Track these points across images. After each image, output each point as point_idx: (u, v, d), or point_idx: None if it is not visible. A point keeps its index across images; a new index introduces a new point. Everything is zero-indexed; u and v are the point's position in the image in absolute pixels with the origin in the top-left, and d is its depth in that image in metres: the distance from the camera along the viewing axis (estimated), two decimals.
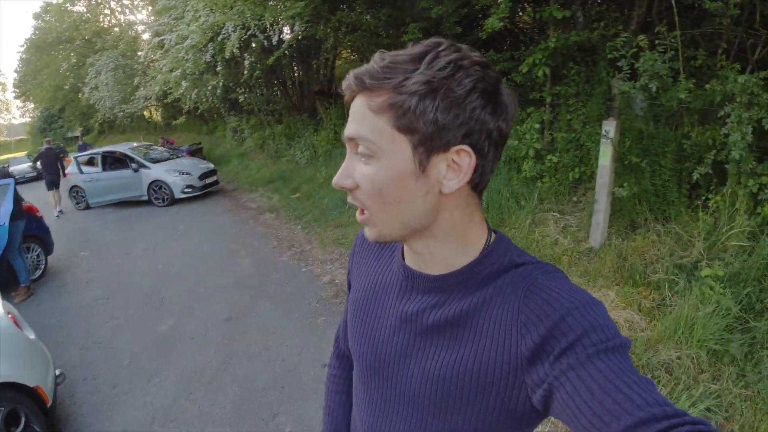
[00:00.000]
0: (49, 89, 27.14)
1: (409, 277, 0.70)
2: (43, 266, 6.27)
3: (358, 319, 0.78)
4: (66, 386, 3.46)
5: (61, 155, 11.84)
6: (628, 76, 3.77)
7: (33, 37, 29.24)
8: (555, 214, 4.48)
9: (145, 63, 15.04)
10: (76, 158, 10.82)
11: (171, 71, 11.07)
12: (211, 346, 3.80)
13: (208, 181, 10.14)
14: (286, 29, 9.52)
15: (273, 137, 11.65)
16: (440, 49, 0.57)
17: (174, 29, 10.75)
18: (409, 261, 0.71)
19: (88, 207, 10.48)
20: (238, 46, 8.78)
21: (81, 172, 10.36)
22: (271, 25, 8.81)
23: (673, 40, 3.68)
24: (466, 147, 0.58)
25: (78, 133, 28.40)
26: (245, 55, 9.76)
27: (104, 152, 10.62)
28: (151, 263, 6.18)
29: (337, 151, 9.15)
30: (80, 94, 22.90)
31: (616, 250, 3.65)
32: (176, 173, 9.76)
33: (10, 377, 2.63)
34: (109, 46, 21.40)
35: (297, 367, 3.35)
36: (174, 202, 9.73)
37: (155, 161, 10.28)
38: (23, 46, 30.90)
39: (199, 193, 9.85)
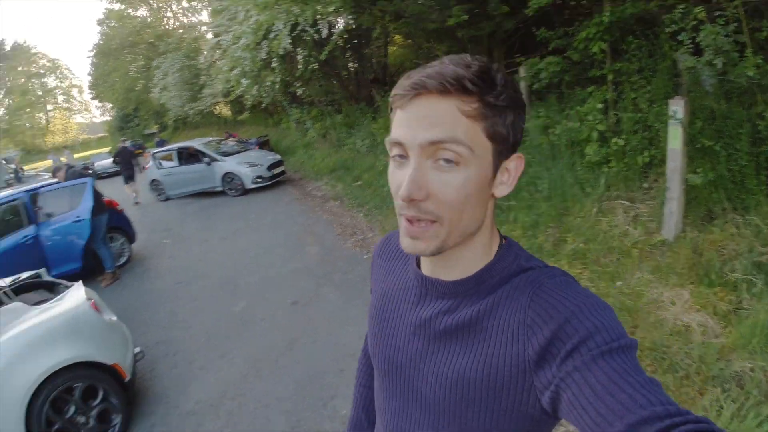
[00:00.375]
0: (120, 91, 29.13)
1: (424, 283, 0.72)
2: (127, 254, 6.93)
3: (376, 325, 0.81)
4: (147, 362, 3.82)
5: (138, 152, 13.08)
6: (691, 50, 3.49)
7: (99, 42, 31.38)
8: (624, 202, 4.23)
9: (208, 63, 15.75)
10: (153, 154, 11.74)
11: (231, 70, 11.63)
12: (278, 328, 4.04)
13: (276, 171, 10.59)
14: (341, 19, 9.68)
15: (334, 127, 11.89)
16: (496, 68, 0.61)
17: (229, 30, 11.25)
18: (425, 268, 0.73)
19: (167, 198, 11.37)
20: (289, 41, 9.10)
21: (159, 166, 11.27)
22: (319, 18, 9.00)
23: (734, 11, 3.36)
24: (521, 154, 0.65)
25: (155, 130, 30.30)
26: (298, 49, 10.06)
27: (179, 148, 11.42)
28: (227, 251, 6.63)
29: None
30: (150, 95, 24.29)
31: (691, 244, 3.34)
32: (246, 165, 10.29)
33: (87, 357, 2.95)
34: (172, 48, 22.63)
35: (357, 352, 3.44)
36: (246, 192, 10.28)
37: (226, 154, 10.89)
38: (92, 50, 33.35)
39: (268, 183, 10.33)
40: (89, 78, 37.39)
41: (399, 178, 0.61)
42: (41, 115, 63.07)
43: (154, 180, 11.48)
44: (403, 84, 0.60)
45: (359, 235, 5.97)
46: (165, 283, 5.76)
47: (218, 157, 10.62)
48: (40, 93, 62.14)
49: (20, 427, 2.62)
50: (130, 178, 11.72)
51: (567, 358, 0.55)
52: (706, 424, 0.46)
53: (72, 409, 2.87)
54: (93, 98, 41.86)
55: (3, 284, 3.55)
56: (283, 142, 15.38)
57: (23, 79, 62.42)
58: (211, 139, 13.04)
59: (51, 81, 63.44)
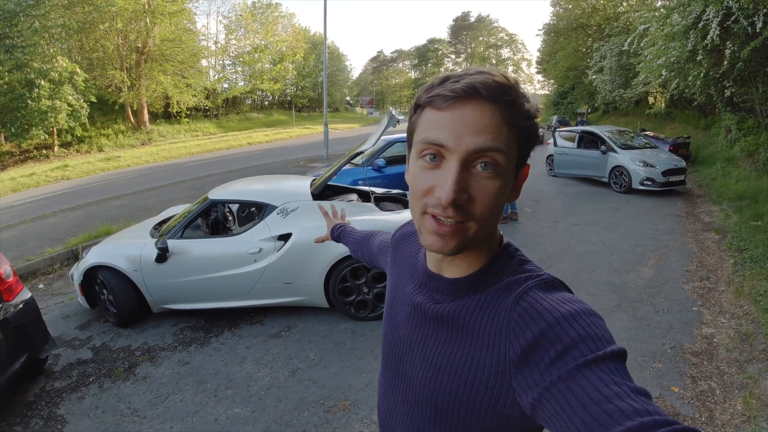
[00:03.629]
0: (561, 69, 31.06)
1: (427, 275, 0.76)
2: None
3: (387, 305, 0.88)
4: None
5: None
6: None
7: (551, 22, 34.37)
8: None
9: (633, 50, 14.75)
10: (554, 132, 12.34)
11: (656, 59, 10.59)
12: None
13: (673, 179, 9.43)
14: None
15: (766, 145, 9.36)
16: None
17: (659, 18, 10.19)
18: (429, 263, 0.76)
19: (555, 175, 11.93)
20: (718, 32, 7.64)
21: (555, 144, 11.83)
22: (756, 5, 7.00)
23: None
24: (528, 163, 0.67)
25: (584, 110, 30.83)
26: (727, 43, 8.22)
27: (582, 131, 11.51)
28: (567, 236, 6.72)
29: None
30: (586, 77, 24.90)
31: None
32: (640, 163, 9.59)
33: None
34: (617, 32, 21.94)
35: None
36: (630, 191, 9.69)
37: (626, 147, 10.33)
38: (542, 29, 37.18)
39: (657, 189, 9.40)
40: (537, 53, 42.63)
41: (430, 180, 0.62)
42: None
43: (549, 155, 12.20)
44: (448, 86, 0.61)
45: (708, 283, 4.89)
46: None
47: (615, 147, 10.24)
48: (494, 62, 74.86)
49: (322, 276, 3.99)
50: None
51: (551, 365, 0.54)
52: None
53: (363, 280, 4.07)
54: (537, 72, 48.56)
55: (378, 192, 5.03)
56: (706, 149, 13.17)
57: (482, 48, 75.63)
58: (624, 129, 12.48)
59: (505, 52, 75.81)
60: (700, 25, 8.42)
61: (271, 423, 2.86)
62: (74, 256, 6.21)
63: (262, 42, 38.15)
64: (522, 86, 0.64)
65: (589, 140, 11.15)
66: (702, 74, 9.66)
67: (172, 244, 4.01)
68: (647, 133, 14.07)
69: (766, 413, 2.84)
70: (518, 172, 0.66)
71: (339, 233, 1.42)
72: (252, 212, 5.21)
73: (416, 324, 0.76)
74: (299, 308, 4.34)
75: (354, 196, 4.92)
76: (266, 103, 45.66)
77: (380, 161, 7.58)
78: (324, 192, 4.62)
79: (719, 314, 4.21)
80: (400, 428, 0.79)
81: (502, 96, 0.59)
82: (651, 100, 21.91)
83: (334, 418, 2.89)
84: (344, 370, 3.41)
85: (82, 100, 21.05)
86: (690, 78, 10.13)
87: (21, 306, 3.17)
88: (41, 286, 5.50)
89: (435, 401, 0.69)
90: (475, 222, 0.62)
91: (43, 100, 19.25)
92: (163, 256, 3.95)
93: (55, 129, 21.13)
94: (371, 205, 4.40)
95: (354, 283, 4.06)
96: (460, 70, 0.64)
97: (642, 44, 11.83)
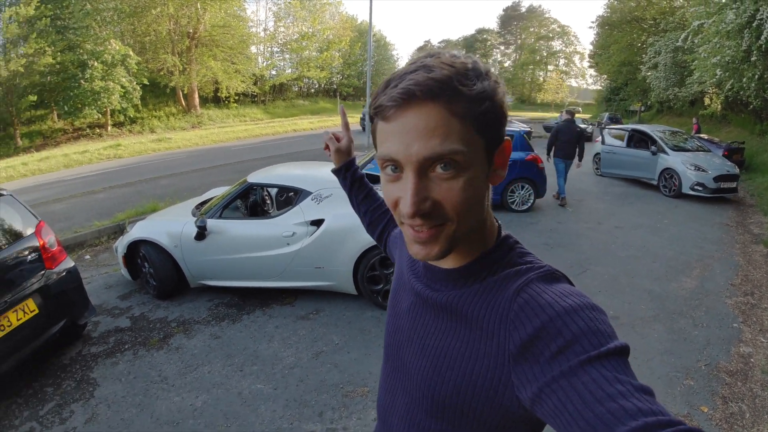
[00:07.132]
0: (614, 63, 29.73)
1: (426, 265, 0.76)
2: (530, 203, 7.87)
3: (392, 291, 0.88)
4: None
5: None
6: None
7: (604, 14, 33.37)
8: None
9: (688, 47, 13.82)
10: (602, 130, 11.89)
11: (710, 57, 9.97)
12: None
13: (724, 185, 8.94)
14: None
15: None
16: (477, 63, 0.60)
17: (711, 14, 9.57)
18: None
19: (602, 174, 11.49)
20: None
21: (603, 142, 11.37)
22: None
23: None
24: (508, 138, 0.64)
25: (637, 108, 29.43)
26: None
27: (633, 129, 11.03)
28: (609, 238, 6.49)
29: None
30: (638, 73, 23.90)
31: None
32: (692, 167, 9.12)
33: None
34: (672, 27, 20.77)
35: None
36: (680, 195, 9.25)
37: (677, 149, 9.83)
38: (595, 21, 36.21)
39: (708, 195, 8.94)
40: (590, 47, 40.90)
41: (395, 191, 0.61)
42: (541, 73, 72.60)
43: (597, 153, 11.77)
44: (389, 94, 0.58)
45: (751, 299, 4.59)
46: (533, 239, 6.27)
47: (667, 148, 9.77)
48: (545, 53, 72.14)
49: (351, 263, 4.03)
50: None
51: (552, 360, 0.53)
52: None
53: (391, 270, 4.06)
54: (590, 66, 46.59)
55: None
56: (760, 157, 12.36)
57: (533, 39, 73.28)
58: (678, 130, 11.89)
59: (557, 44, 72.88)
60: (754, 25, 7.89)
61: (291, 401, 2.94)
62: (120, 230, 6.51)
63: (310, 30, 38.45)
64: (485, 62, 0.61)
65: (639, 139, 10.68)
66: (757, 76, 9.10)
67: (210, 223, 4.15)
68: (701, 135, 13.39)
69: None
70: (494, 154, 0.62)
71: (353, 173, 1.20)
72: (289, 197, 5.31)
73: (418, 312, 0.75)
74: (329, 293, 4.41)
75: None
76: (312, 90, 46.22)
77: None
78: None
79: (759, 333, 3.98)
80: (398, 419, 0.77)
81: (443, 91, 0.56)
82: (707, 101, 20.69)
83: (352, 402, 2.94)
84: (366, 357, 3.45)
85: (134, 83, 21.89)
86: (745, 79, 9.55)
87: (63, 274, 3.37)
88: (87, 257, 5.82)
89: (433, 391, 0.68)
90: (452, 222, 0.61)
91: (96, 81, 20.09)
92: (201, 234, 4.10)
93: (108, 109, 22.07)
94: None
95: (382, 272, 4.08)
96: (404, 66, 0.62)
97: (697, 41, 11.21)
